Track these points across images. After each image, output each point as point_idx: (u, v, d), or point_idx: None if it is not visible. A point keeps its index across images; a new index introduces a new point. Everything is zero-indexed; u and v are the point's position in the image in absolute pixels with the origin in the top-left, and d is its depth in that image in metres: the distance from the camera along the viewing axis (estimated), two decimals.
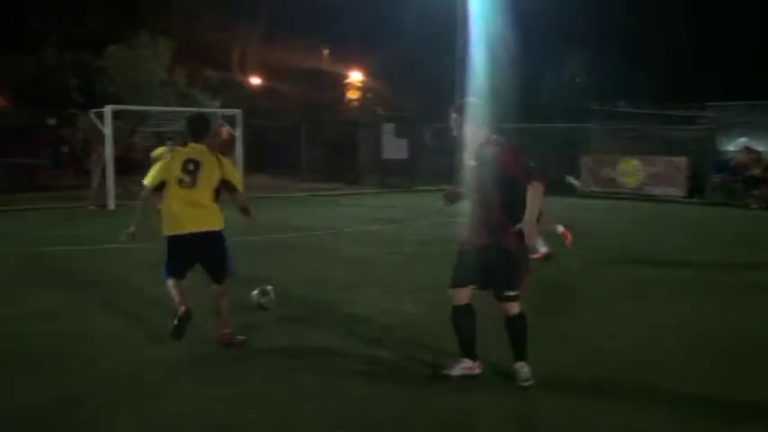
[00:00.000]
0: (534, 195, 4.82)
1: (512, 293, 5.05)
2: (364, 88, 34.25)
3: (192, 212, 5.81)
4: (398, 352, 5.90)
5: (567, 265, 9.80)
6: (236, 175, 6.15)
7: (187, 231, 5.79)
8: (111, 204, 17.23)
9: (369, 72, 34.57)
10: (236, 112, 21.62)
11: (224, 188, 6.00)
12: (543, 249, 9.91)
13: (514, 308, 5.07)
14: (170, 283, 5.87)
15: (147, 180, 5.90)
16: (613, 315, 7.27)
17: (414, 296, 7.95)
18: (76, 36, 31.16)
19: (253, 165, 26.85)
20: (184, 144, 6.19)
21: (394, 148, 27.13)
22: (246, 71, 39.81)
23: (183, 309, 5.66)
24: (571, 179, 23.45)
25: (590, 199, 21.16)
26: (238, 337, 6.04)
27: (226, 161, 6.10)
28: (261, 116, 34.83)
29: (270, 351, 5.92)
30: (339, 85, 35.51)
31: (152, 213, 6.18)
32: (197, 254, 5.92)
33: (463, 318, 5.21)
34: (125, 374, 5.33)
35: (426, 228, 14.57)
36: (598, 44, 27.93)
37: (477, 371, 5.23)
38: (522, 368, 5.08)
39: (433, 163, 27.49)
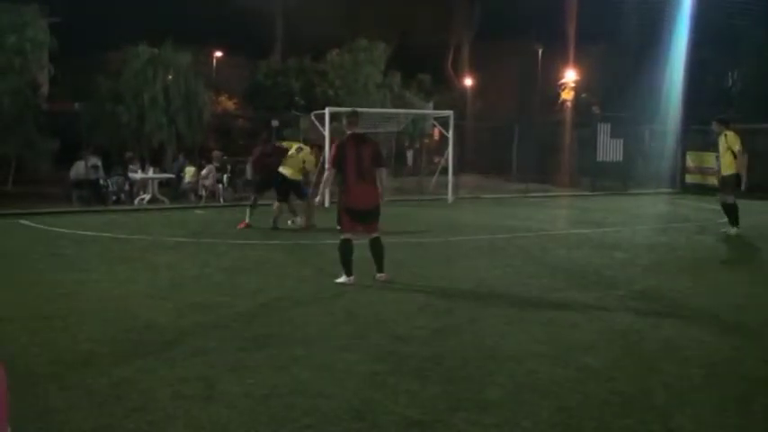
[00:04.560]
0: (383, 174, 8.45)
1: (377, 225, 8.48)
2: (579, 87, 33.35)
3: None
4: (610, 361, 5.69)
5: None
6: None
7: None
8: (327, 202, 18.00)
9: (584, 71, 33.63)
10: (449, 113, 21.87)
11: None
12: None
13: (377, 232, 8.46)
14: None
15: None
16: None
17: (625, 304, 7.63)
18: (300, 43, 33.05)
19: (463, 165, 27.13)
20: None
21: (609, 149, 26.20)
22: (459, 72, 40.20)
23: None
24: None
25: None
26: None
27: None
28: (472, 117, 35.08)
29: (468, 348, 5.94)
30: (553, 84, 34.85)
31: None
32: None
33: (348, 245, 8.35)
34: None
35: (640, 233, 13.94)
36: None
37: (352, 281, 8.28)
38: (379, 276, 8.44)
39: (649, 165, 26.28)
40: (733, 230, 13.10)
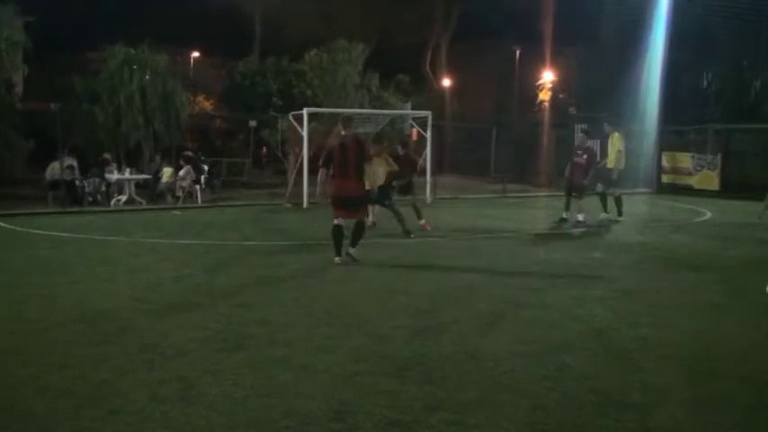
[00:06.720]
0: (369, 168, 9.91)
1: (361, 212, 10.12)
2: (556, 88, 33.49)
3: None
4: (588, 360, 5.74)
5: None
6: None
7: None
8: (305, 203, 17.98)
9: (561, 72, 33.80)
10: (427, 113, 21.88)
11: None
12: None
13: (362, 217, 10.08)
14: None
15: None
16: None
17: (603, 303, 7.68)
18: (278, 43, 32.94)
19: (442, 165, 27.17)
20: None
21: None
22: (437, 73, 40.24)
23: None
24: None
25: None
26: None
27: None
28: (450, 117, 35.15)
29: (448, 348, 5.95)
30: (530, 84, 35.03)
31: None
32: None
33: (338, 230, 9.74)
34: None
35: (617, 232, 14.04)
36: None
37: (339, 261, 9.63)
38: (350, 250, 9.78)
39: (626, 165, 26.37)
40: (612, 216, 15.16)
